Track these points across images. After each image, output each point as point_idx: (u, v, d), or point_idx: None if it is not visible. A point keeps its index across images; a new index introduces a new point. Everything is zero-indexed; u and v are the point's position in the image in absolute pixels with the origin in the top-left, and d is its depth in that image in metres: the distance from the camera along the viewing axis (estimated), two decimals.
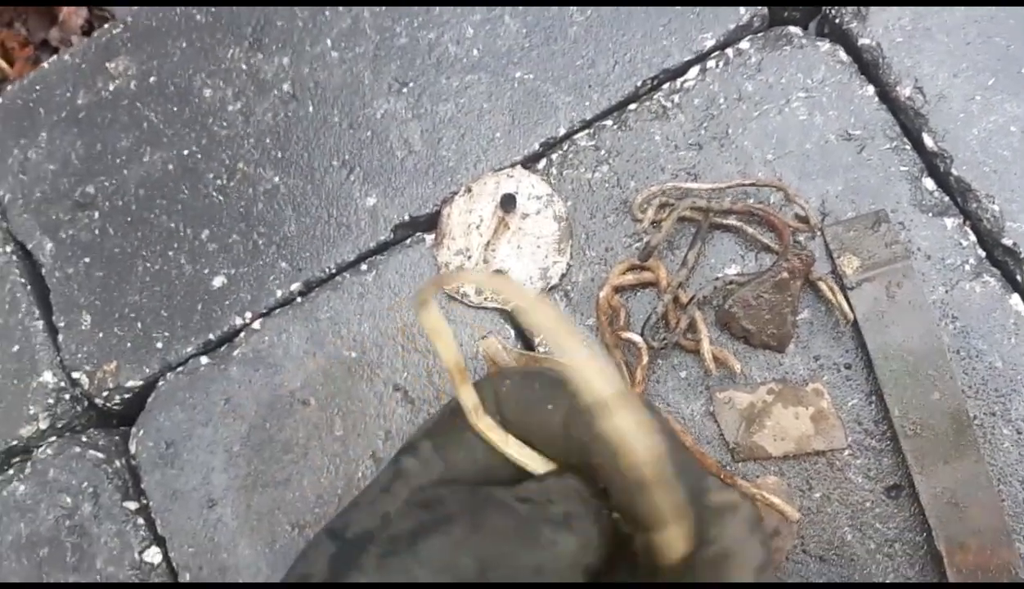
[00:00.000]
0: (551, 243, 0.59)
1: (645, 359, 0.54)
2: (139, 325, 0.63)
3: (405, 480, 0.34)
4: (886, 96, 0.58)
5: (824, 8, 0.61)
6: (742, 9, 0.61)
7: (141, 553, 0.60)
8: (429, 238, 0.61)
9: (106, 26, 0.70)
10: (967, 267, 0.54)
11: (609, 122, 0.61)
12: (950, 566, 0.49)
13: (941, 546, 0.50)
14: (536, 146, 0.62)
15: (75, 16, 1.00)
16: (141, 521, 0.61)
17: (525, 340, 0.59)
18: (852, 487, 0.53)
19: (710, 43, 0.61)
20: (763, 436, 0.54)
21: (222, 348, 0.62)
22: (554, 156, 0.61)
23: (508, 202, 0.60)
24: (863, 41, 0.59)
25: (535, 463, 0.35)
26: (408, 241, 0.62)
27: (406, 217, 0.62)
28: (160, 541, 0.60)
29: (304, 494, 0.58)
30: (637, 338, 0.55)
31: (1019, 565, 0.49)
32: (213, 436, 0.61)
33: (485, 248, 0.60)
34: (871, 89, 0.58)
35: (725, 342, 0.56)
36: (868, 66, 0.59)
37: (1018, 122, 0.56)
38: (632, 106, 0.61)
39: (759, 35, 0.61)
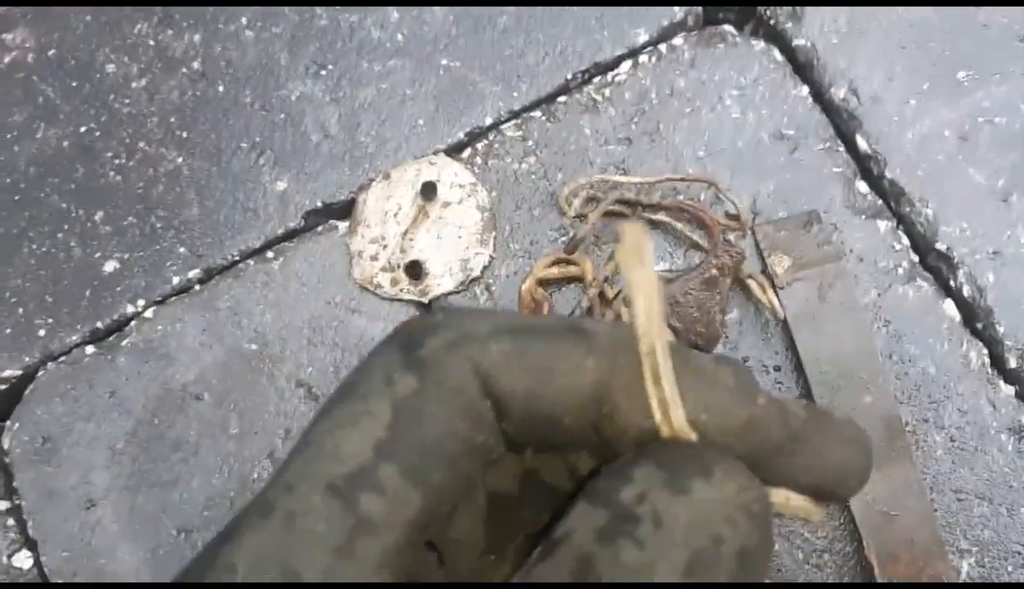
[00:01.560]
0: (473, 234, 0.56)
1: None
2: (20, 311, 0.58)
3: (372, 535, 0.21)
4: (820, 97, 0.57)
5: (759, 9, 0.60)
6: (676, 8, 0.59)
7: (10, 557, 0.54)
8: (343, 226, 0.57)
9: None
10: (900, 271, 0.53)
11: (538, 113, 0.58)
12: (881, 577, 0.47)
13: (872, 557, 0.47)
14: (461, 135, 0.59)
15: None
16: (11, 522, 0.54)
17: None
18: None
19: (643, 38, 0.59)
20: None
21: (111, 337, 0.57)
22: (479, 146, 0.58)
23: (429, 190, 0.56)
24: (798, 42, 0.58)
25: None
26: (319, 228, 0.58)
27: (319, 203, 0.58)
28: (31, 544, 0.54)
29: (193, 496, 0.53)
30: None
31: (952, 577, 0.47)
32: (95, 432, 0.55)
33: (403, 237, 0.56)
34: (805, 90, 0.57)
35: None
36: (803, 67, 0.58)
37: (952, 127, 0.55)
38: (562, 98, 0.59)
39: (693, 33, 0.59)
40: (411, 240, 0.56)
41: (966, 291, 0.52)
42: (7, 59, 0.64)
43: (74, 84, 0.62)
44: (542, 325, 0.24)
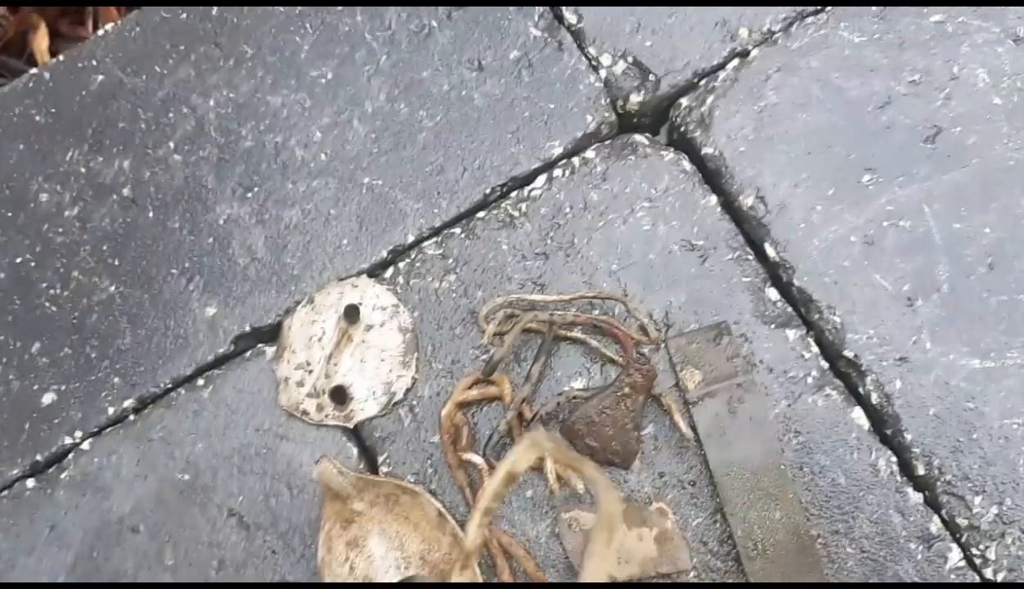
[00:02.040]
0: (396, 356, 0.57)
1: (487, 481, 0.52)
2: None
3: None
4: (729, 205, 0.58)
5: (671, 114, 0.61)
6: (588, 116, 0.61)
7: None
8: (270, 350, 0.59)
9: None
10: (810, 380, 0.54)
11: (457, 230, 0.60)
12: None
13: None
14: (384, 253, 0.60)
15: None
16: None
17: (369, 459, 0.57)
18: None
19: (557, 151, 0.60)
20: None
21: (50, 470, 0.58)
22: (401, 264, 0.60)
23: (352, 313, 0.57)
24: (706, 150, 0.59)
25: None
26: (248, 354, 0.59)
27: (247, 328, 0.59)
28: None
29: None
30: (478, 459, 0.53)
31: None
32: (37, 566, 0.56)
33: (327, 361, 0.57)
34: (714, 199, 0.58)
35: None
36: (712, 175, 0.59)
37: (857, 232, 0.56)
38: (480, 214, 0.60)
39: (606, 143, 0.60)
40: (335, 364, 0.57)
41: (874, 398, 0.53)
42: None
43: (8, 214, 0.64)
44: None
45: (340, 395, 0.57)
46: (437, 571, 0.53)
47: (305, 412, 0.57)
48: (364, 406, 0.56)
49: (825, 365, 0.54)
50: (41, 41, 0.97)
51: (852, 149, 0.58)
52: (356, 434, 0.57)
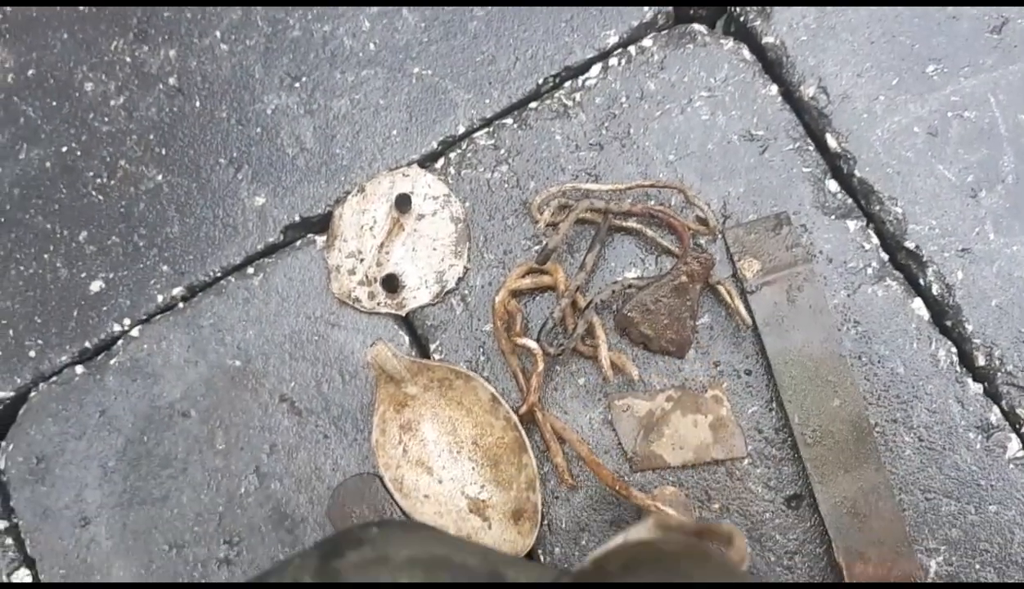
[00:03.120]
0: (448, 245, 0.57)
1: (541, 366, 0.52)
2: (11, 333, 0.59)
3: None
4: (790, 96, 0.57)
5: (729, 7, 0.60)
6: (646, 8, 0.59)
7: (9, 575, 0.56)
8: (320, 240, 0.58)
9: None
10: (870, 270, 0.53)
11: (509, 121, 0.59)
12: (849, 578, 0.48)
13: (840, 557, 0.48)
14: (434, 145, 0.59)
15: None
16: (10, 541, 0.57)
17: (420, 347, 0.56)
18: (752, 498, 0.51)
19: (613, 40, 0.59)
20: (662, 445, 0.52)
21: (99, 357, 0.58)
22: (452, 155, 0.59)
23: (403, 202, 0.57)
24: (767, 40, 0.57)
25: None
26: (298, 243, 0.59)
27: (296, 218, 0.59)
28: (30, 562, 0.56)
29: (183, 512, 0.55)
30: (533, 344, 0.53)
31: (920, 577, 0.48)
32: (87, 450, 0.57)
33: (379, 250, 0.57)
34: (775, 88, 0.57)
35: (624, 347, 0.53)
36: (772, 65, 0.58)
37: (921, 123, 0.55)
38: (533, 104, 0.59)
39: (663, 32, 0.59)
40: (387, 253, 0.57)
41: (935, 289, 0.52)
42: None
43: (54, 104, 0.63)
44: (461, 565, 0.25)
45: (392, 283, 0.56)
46: (490, 455, 0.53)
47: (357, 299, 0.56)
48: (416, 294, 0.56)
49: (885, 256, 0.54)
50: None
51: (917, 39, 0.56)
52: (408, 322, 0.57)
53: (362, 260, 0.57)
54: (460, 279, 0.56)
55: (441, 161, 0.59)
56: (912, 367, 0.52)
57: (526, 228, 0.57)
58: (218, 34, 0.63)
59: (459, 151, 0.59)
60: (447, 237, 0.57)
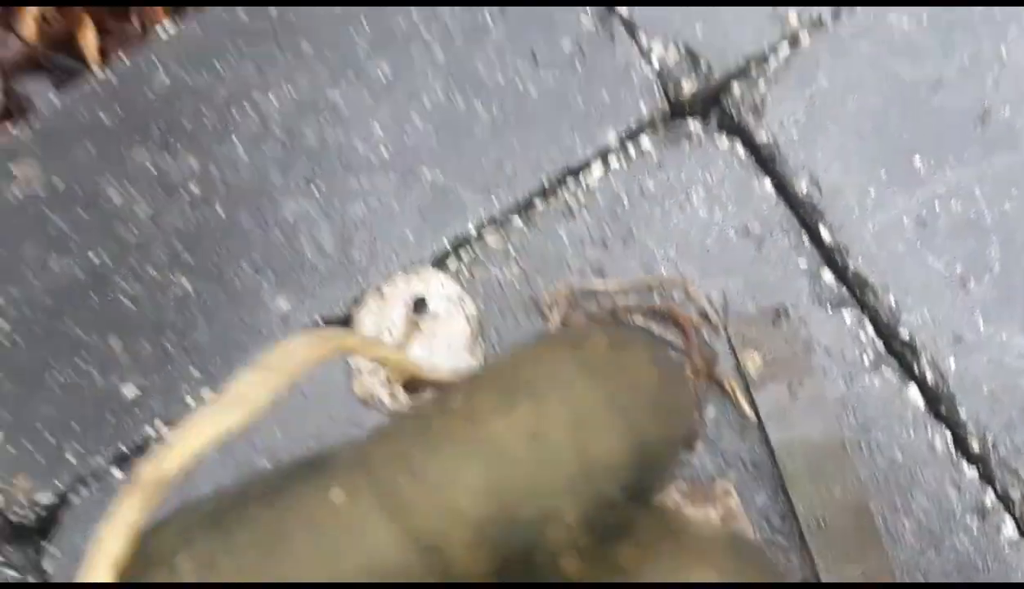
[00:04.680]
0: (462, 344, 0.59)
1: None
2: (51, 439, 0.62)
3: None
4: (783, 190, 0.60)
5: (722, 100, 0.63)
6: (642, 105, 0.62)
7: None
8: None
9: (12, 130, 0.69)
10: (866, 360, 0.56)
11: (517, 220, 0.62)
12: None
13: None
14: (447, 244, 0.62)
15: None
16: None
17: None
18: None
19: (613, 140, 0.62)
20: None
21: (134, 459, 0.61)
22: (464, 255, 0.62)
23: (419, 305, 0.60)
24: (759, 136, 0.60)
25: None
26: None
27: (317, 319, 0.62)
28: None
29: None
30: None
31: None
32: None
33: (398, 348, 0.60)
34: (768, 184, 0.60)
35: None
36: (765, 160, 0.60)
37: (910, 214, 0.57)
38: (539, 204, 0.62)
39: (660, 130, 0.62)
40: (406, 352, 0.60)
41: (929, 377, 0.55)
42: (17, 192, 0.68)
43: (83, 214, 0.66)
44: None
45: (412, 383, 0.59)
46: None
47: (379, 400, 0.59)
48: None
49: (881, 346, 0.56)
50: (89, 37, 0.99)
51: (903, 132, 0.59)
52: None
53: None
54: None
55: (453, 261, 0.62)
56: (910, 454, 0.54)
57: (536, 325, 0.59)
58: (237, 142, 0.66)
59: (470, 251, 0.62)
60: (461, 336, 0.60)
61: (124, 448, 0.62)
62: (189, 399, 0.62)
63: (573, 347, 0.24)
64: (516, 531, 0.23)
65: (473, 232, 0.62)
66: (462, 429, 0.22)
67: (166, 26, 0.68)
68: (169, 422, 0.61)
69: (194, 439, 0.22)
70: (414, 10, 0.66)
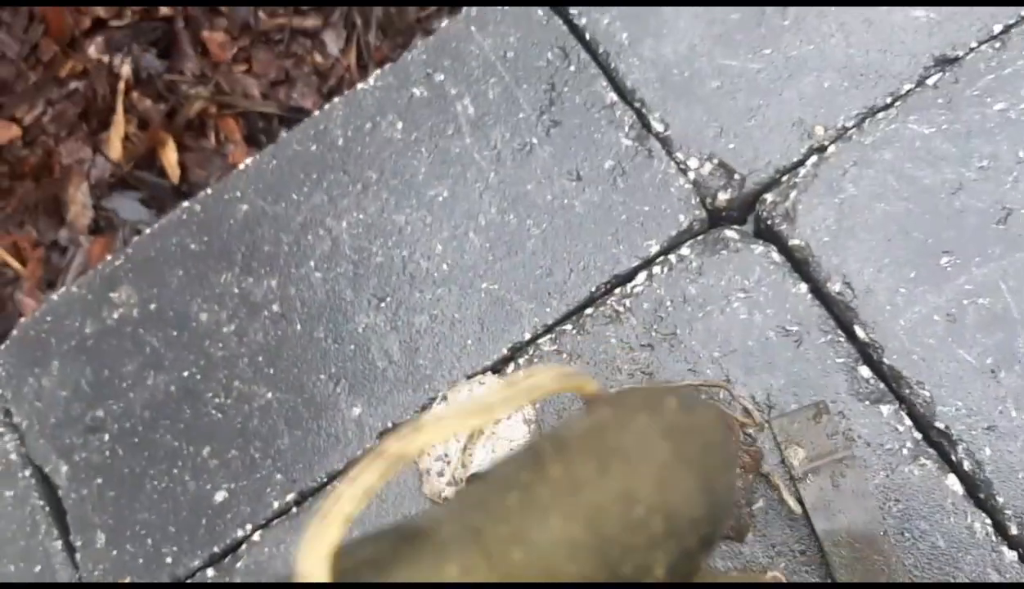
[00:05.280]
0: (522, 445, 0.64)
1: None
2: (149, 541, 0.68)
3: None
4: (818, 292, 0.64)
5: (757, 208, 0.67)
6: (681, 216, 0.67)
7: None
8: None
9: (108, 258, 0.77)
10: (905, 451, 0.59)
11: (568, 326, 0.67)
12: None
13: None
14: (504, 351, 0.67)
15: (82, 217, 1.08)
16: None
17: None
18: None
19: (655, 249, 0.67)
20: None
21: (226, 560, 0.67)
22: (521, 360, 0.67)
23: None
24: (793, 241, 0.65)
25: None
26: None
27: (389, 424, 0.67)
28: None
29: None
30: None
31: None
32: None
33: (463, 453, 0.64)
34: (804, 286, 0.64)
35: None
36: (800, 264, 0.65)
37: (940, 311, 0.61)
38: (588, 311, 0.67)
39: (699, 238, 0.67)
40: (470, 455, 0.65)
41: (966, 465, 0.58)
42: (116, 315, 0.75)
43: (174, 333, 0.73)
44: None
45: (474, 478, 0.64)
46: None
47: (446, 499, 0.64)
48: None
49: (919, 436, 0.59)
50: (170, 155, 1.08)
51: (929, 234, 0.63)
52: None
53: (448, 462, 0.65)
54: None
55: (511, 366, 0.67)
56: (951, 540, 0.57)
57: None
58: (312, 264, 0.72)
59: (527, 356, 0.67)
60: (521, 437, 0.64)
61: (216, 549, 0.67)
62: (275, 503, 0.67)
63: (651, 412, 0.27)
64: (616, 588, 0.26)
65: (528, 338, 0.67)
66: (566, 498, 0.25)
67: (245, 161, 0.76)
68: (257, 525, 0.67)
69: (439, 429, 0.25)
70: (467, 135, 0.72)
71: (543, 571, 0.23)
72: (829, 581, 0.57)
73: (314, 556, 0.23)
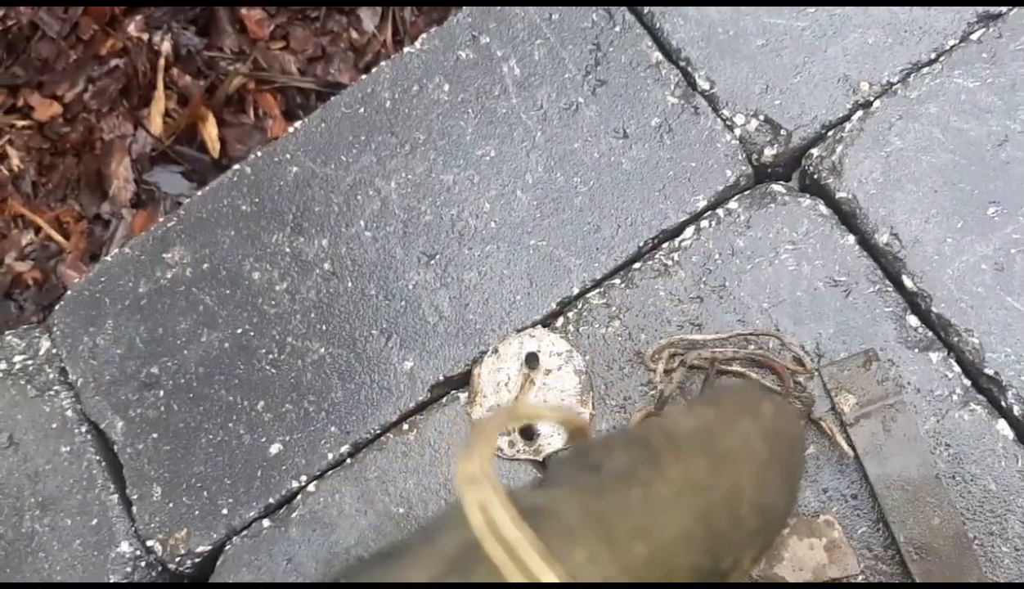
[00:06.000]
0: (574, 396, 0.65)
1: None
2: (205, 493, 0.70)
3: None
4: (866, 243, 0.65)
5: (803, 163, 0.68)
6: (728, 171, 0.68)
7: None
8: (463, 396, 0.68)
9: (161, 220, 0.78)
10: (955, 397, 0.60)
11: (617, 281, 0.68)
12: None
13: None
14: (554, 306, 0.68)
15: (124, 191, 1.10)
16: None
17: None
18: None
19: (702, 204, 0.68)
20: (782, 568, 0.58)
21: (281, 511, 0.68)
22: (570, 314, 0.68)
23: (532, 360, 0.66)
24: (840, 194, 0.65)
25: None
26: (444, 400, 0.68)
27: (440, 377, 0.68)
28: None
29: None
30: None
31: None
32: None
33: (514, 403, 0.66)
34: (851, 238, 0.65)
35: None
36: (847, 216, 0.65)
37: (987, 260, 0.62)
38: (637, 265, 0.68)
39: (746, 193, 0.68)
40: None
41: (1016, 410, 0.59)
42: (169, 274, 0.76)
43: (227, 292, 0.74)
44: None
45: (528, 433, 0.65)
46: None
47: (499, 449, 0.65)
48: (550, 441, 0.65)
49: (968, 383, 0.60)
50: (211, 130, 1.10)
51: (975, 185, 0.64)
52: (544, 466, 0.65)
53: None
54: (587, 425, 0.65)
55: (561, 320, 0.68)
56: (1002, 483, 0.58)
57: (641, 375, 0.65)
58: (362, 223, 0.74)
59: (576, 310, 0.68)
60: (572, 388, 0.65)
61: (272, 500, 0.68)
62: (330, 454, 0.68)
63: (753, 417, 0.30)
64: (714, 579, 0.29)
65: (577, 292, 0.68)
66: (685, 498, 0.28)
67: (295, 124, 0.77)
68: (312, 476, 0.68)
69: (540, 410, 0.30)
70: (513, 95, 0.73)
71: (661, 563, 0.26)
72: (882, 520, 0.58)
73: (480, 458, 0.26)
